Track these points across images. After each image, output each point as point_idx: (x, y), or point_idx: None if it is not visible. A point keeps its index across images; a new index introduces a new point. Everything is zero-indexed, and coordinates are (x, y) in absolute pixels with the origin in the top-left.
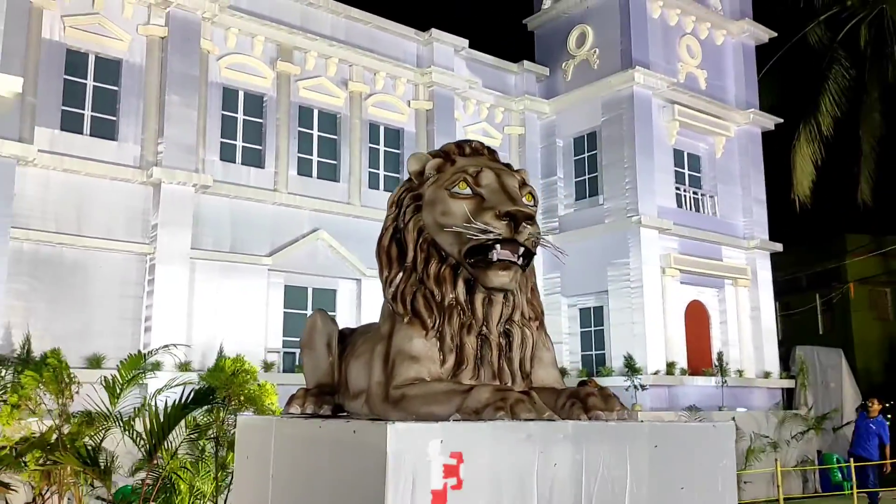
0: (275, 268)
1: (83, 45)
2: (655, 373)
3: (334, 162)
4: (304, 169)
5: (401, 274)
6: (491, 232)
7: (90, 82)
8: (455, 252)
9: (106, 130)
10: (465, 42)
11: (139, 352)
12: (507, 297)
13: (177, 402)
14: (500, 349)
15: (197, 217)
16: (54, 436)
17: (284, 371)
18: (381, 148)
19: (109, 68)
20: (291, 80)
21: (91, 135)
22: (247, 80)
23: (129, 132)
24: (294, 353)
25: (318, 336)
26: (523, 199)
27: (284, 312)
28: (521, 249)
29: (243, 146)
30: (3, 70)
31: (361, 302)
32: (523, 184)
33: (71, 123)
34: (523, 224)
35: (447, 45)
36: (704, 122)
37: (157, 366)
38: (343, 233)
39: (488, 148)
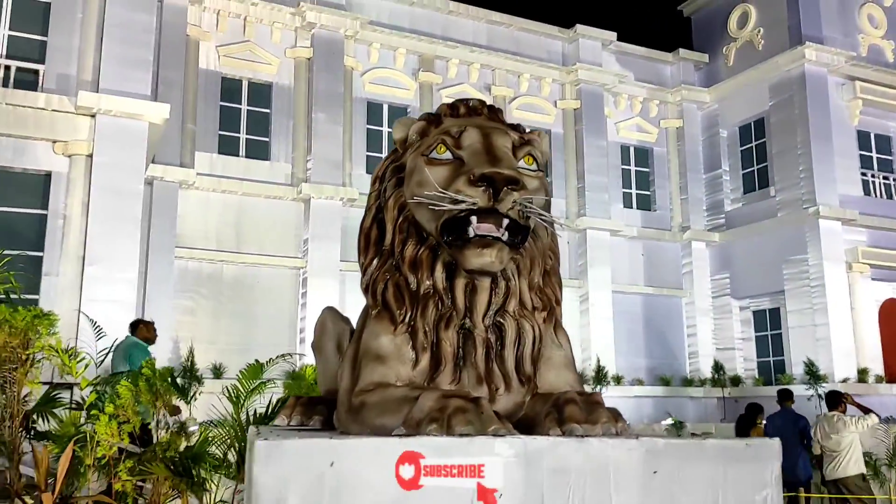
0: None
1: (237, 71)
2: (844, 380)
3: None
4: None
5: (376, 259)
6: (463, 201)
7: (244, 106)
8: (433, 229)
9: (260, 151)
10: (614, 35)
11: (256, 361)
12: (496, 282)
13: (256, 414)
14: (487, 346)
15: (345, 230)
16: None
17: None
18: None
19: (261, 92)
20: (434, 90)
21: (246, 156)
22: (390, 93)
23: (281, 151)
24: None
25: (327, 337)
26: (520, 162)
27: None
28: (506, 222)
29: None
30: (161, 99)
31: None
32: (523, 143)
33: (228, 146)
34: (506, 189)
35: (594, 40)
36: (894, 97)
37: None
38: None
39: (490, 107)
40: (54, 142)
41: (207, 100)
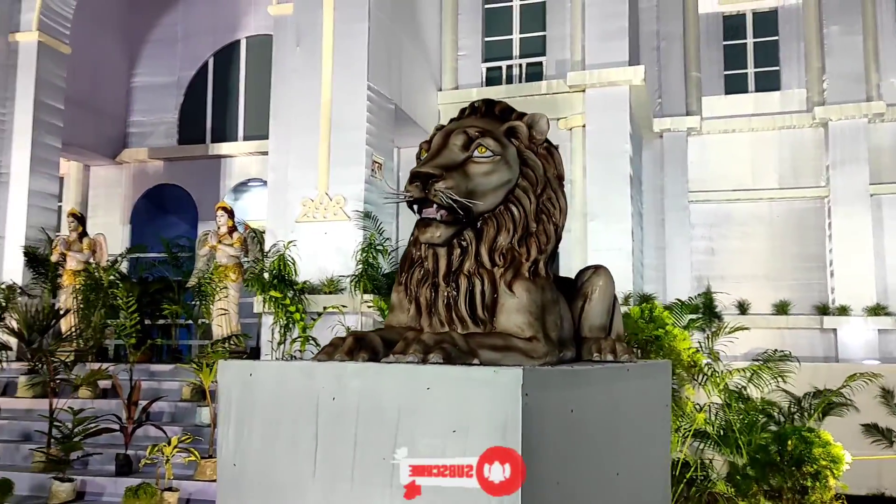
0: None
1: (739, 6)
2: None
3: None
4: None
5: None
6: (405, 194)
7: (749, 40)
8: None
9: (770, 82)
10: None
11: (689, 298)
12: (451, 250)
13: None
14: (448, 298)
15: (874, 149)
16: None
17: None
18: None
19: (766, 21)
20: None
21: (756, 90)
22: None
23: (793, 78)
24: None
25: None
26: (475, 152)
27: None
28: (435, 206)
29: None
30: (663, 52)
31: None
32: (479, 135)
33: (735, 85)
34: (430, 182)
35: None
36: None
37: (843, 310)
38: None
39: (490, 104)
40: (558, 119)
41: (710, 43)
